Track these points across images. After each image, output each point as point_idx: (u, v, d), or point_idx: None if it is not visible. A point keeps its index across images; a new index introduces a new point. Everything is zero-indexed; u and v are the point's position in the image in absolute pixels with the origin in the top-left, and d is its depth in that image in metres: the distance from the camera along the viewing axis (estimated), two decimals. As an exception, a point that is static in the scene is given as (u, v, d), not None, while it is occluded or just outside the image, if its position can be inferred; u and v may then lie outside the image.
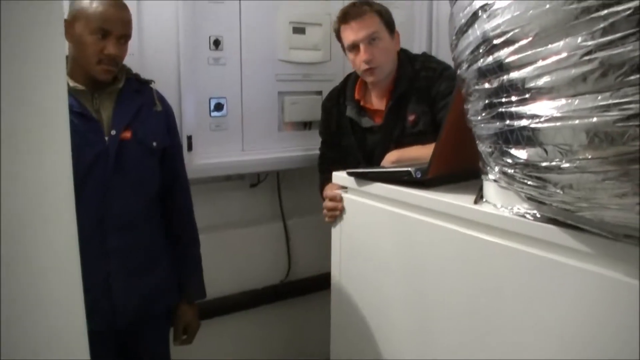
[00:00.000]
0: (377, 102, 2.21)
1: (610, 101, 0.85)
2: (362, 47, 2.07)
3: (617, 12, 0.81)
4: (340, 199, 1.82)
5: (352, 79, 2.27)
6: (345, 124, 2.25)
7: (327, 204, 1.88)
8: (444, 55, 2.36)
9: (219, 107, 2.33)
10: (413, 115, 2.10)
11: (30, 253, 0.70)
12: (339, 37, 2.19)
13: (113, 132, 1.76)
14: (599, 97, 0.86)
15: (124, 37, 1.77)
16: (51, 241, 0.76)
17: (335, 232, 1.90)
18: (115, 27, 1.72)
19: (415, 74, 2.13)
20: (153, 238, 1.92)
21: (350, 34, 2.10)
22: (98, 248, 1.75)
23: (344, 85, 2.30)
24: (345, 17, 2.10)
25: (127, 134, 1.79)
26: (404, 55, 2.20)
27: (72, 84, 1.72)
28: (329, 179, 1.99)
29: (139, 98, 1.86)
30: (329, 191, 1.93)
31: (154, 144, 1.86)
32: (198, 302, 2.09)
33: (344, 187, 1.84)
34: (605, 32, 0.83)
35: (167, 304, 2.00)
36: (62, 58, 0.78)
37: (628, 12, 0.80)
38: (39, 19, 0.71)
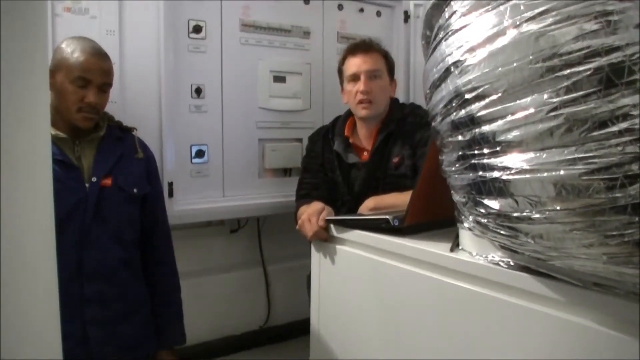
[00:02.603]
0: (364, 141, 2.26)
1: (576, 155, 0.89)
2: (363, 78, 2.15)
3: (579, 72, 0.86)
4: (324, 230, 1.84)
5: (341, 118, 2.33)
6: (331, 159, 2.29)
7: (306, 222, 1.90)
8: (420, 103, 2.42)
9: (200, 153, 2.35)
10: (397, 158, 2.15)
11: (9, 300, 0.71)
12: (340, 70, 2.27)
13: (94, 179, 1.77)
14: (565, 152, 0.90)
15: (105, 85, 1.79)
16: (31, 289, 0.76)
17: (314, 278, 1.91)
18: (96, 76, 1.75)
19: (403, 119, 2.20)
20: (132, 286, 1.90)
21: (354, 65, 2.18)
22: (75, 296, 1.73)
23: (334, 124, 2.35)
24: (354, 48, 2.21)
25: (108, 181, 1.80)
26: (395, 102, 2.29)
27: (53, 132, 1.73)
28: (305, 202, 2.02)
29: (120, 145, 1.88)
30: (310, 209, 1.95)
31: (135, 190, 1.87)
32: (177, 348, 2.07)
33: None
34: (569, 90, 0.88)
35: (146, 351, 1.97)
36: (46, 107, 0.80)
37: (589, 72, 0.85)
38: (23, 68, 0.73)
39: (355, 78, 2.18)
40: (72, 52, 1.74)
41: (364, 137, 2.25)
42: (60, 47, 1.77)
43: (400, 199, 1.81)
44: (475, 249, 1.31)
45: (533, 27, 0.93)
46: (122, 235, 1.85)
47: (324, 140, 2.33)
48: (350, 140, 2.27)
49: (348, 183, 2.25)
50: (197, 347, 2.51)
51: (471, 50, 1.06)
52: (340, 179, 2.26)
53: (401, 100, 2.49)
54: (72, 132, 1.78)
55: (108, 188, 1.80)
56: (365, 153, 2.24)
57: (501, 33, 0.99)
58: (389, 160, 2.17)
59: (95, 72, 1.75)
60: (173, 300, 2.05)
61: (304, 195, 2.22)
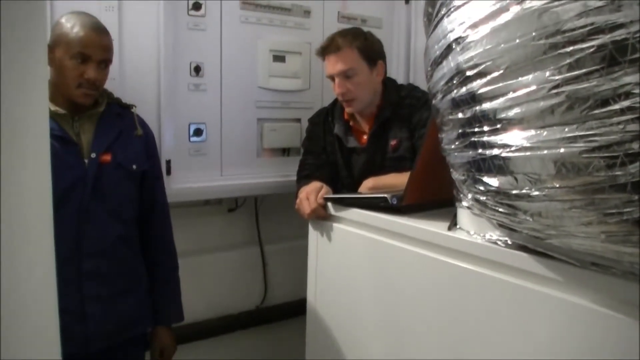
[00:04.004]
0: (363, 125, 2.25)
1: (577, 133, 0.88)
2: (337, 80, 2.12)
3: (582, 49, 0.85)
4: (321, 208, 1.85)
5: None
6: (332, 142, 2.28)
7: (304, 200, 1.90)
8: (420, 84, 2.41)
9: (198, 132, 2.34)
10: (394, 141, 2.14)
11: (6, 277, 0.71)
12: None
13: (93, 155, 1.76)
14: (566, 129, 0.90)
15: (104, 61, 1.78)
16: (28, 266, 0.76)
17: (311, 257, 1.91)
18: (95, 52, 1.73)
19: (400, 101, 2.18)
20: (130, 263, 1.91)
21: (328, 67, 2.16)
22: (73, 272, 1.74)
23: (333, 106, 2.33)
24: (323, 51, 2.16)
25: (107, 157, 1.79)
26: (390, 84, 2.25)
27: (52, 107, 1.72)
28: (306, 183, 2.02)
29: (119, 122, 1.88)
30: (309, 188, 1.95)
31: (134, 166, 1.87)
32: (174, 327, 2.08)
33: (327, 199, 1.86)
34: (571, 67, 0.87)
35: (143, 328, 1.98)
36: (44, 82, 0.79)
37: (592, 49, 0.84)
38: (21, 42, 0.72)
39: (332, 79, 2.16)
40: (71, 27, 1.72)
41: (362, 120, 2.25)
42: (60, 22, 1.75)
43: (399, 179, 1.81)
44: (473, 228, 1.31)
45: (536, 3, 0.92)
46: (120, 213, 1.85)
47: (324, 124, 2.32)
48: (350, 124, 2.26)
49: (349, 167, 2.25)
50: (194, 327, 2.52)
51: (473, 26, 1.05)
52: (341, 162, 2.26)
53: (401, 81, 2.47)
54: (71, 108, 1.77)
55: (107, 164, 1.79)
56: (365, 137, 2.23)
57: (504, 9, 0.98)
58: (387, 144, 2.16)
59: (95, 47, 1.74)
60: (171, 278, 2.06)
61: (306, 176, 2.21)
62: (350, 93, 2.12)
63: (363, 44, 2.14)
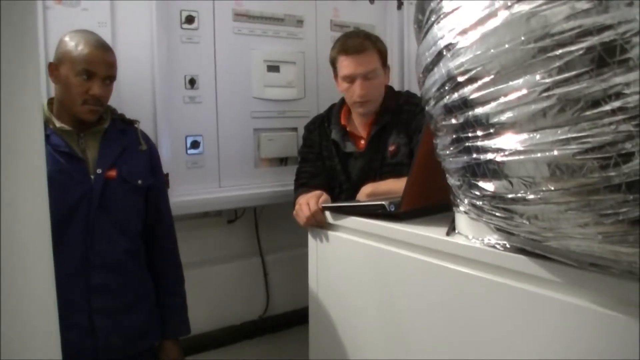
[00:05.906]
0: (361, 129, 2.25)
1: (569, 135, 0.88)
2: (358, 82, 2.10)
3: (571, 52, 0.86)
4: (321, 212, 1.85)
5: (336, 106, 2.32)
6: (329, 147, 2.29)
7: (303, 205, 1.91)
8: (415, 90, 2.41)
9: (195, 144, 2.35)
10: (393, 147, 2.14)
11: (6, 295, 0.71)
12: (333, 64, 2.21)
13: (99, 171, 1.79)
14: (559, 132, 0.90)
15: (109, 78, 1.81)
16: (28, 283, 0.76)
17: (311, 266, 1.91)
18: (100, 68, 1.76)
19: (399, 108, 2.18)
20: (137, 276, 1.92)
21: (348, 66, 2.12)
22: (82, 286, 1.76)
23: (329, 112, 2.34)
24: (347, 49, 2.13)
25: (112, 173, 1.82)
26: (389, 90, 2.26)
27: (58, 124, 1.76)
28: (304, 191, 2.02)
29: (124, 138, 1.90)
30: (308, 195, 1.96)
31: (139, 182, 1.89)
32: (180, 339, 2.08)
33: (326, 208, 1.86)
34: (561, 70, 0.88)
35: (152, 341, 1.99)
36: (39, 101, 0.80)
37: (581, 51, 0.85)
38: (15, 62, 0.72)
39: (350, 80, 2.13)
40: (76, 45, 1.75)
41: (360, 125, 2.25)
42: (64, 40, 1.78)
43: (397, 185, 1.81)
44: (471, 232, 1.32)
45: (524, 7, 0.93)
46: (127, 227, 1.88)
47: (320, 129, 2.32)
48: (347, 129, 2.26)
49: (346, 171, 2.26)
50: (197, 338, 2.50)
51: (463, 32, 1.05)
52: (339, 167, 2.26)
53: (396, 87, 2.47)
54: (77, 125, 1.80)
55: (113, 180, 1.82)
56: (362, 141, 2.23)
57: (492, 14, 0.99)
58: (385, 149, 2.17)
59: (99, 64, 1.76)
60: (177, 291, 2.07)
61: (303, 184, 2.22)
62: (369, 95, 2.12)
63: (382, 47, 2.18)
